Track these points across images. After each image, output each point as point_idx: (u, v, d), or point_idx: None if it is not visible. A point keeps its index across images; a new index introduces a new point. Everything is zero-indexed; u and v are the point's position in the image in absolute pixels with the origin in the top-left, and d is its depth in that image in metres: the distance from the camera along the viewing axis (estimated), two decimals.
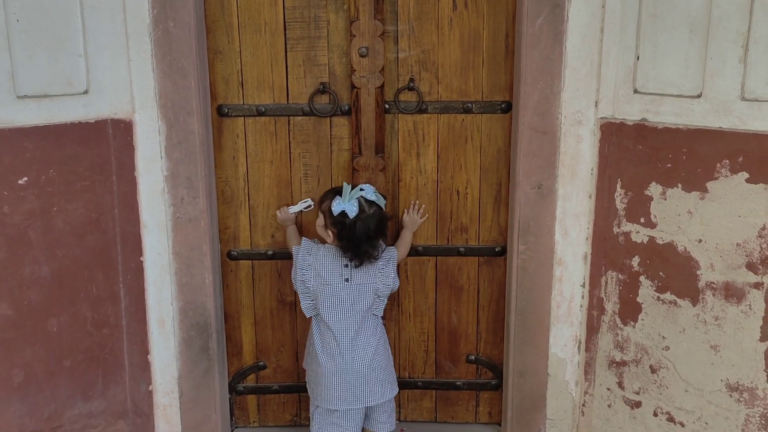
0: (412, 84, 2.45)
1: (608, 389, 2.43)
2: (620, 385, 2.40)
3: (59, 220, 2.21)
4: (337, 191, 2.24)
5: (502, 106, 2.47)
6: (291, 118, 2.47)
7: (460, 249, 2.58)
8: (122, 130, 2.30)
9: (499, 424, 2.71)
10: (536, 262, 2.44)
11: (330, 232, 2.22)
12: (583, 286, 2.44)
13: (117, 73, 2.25)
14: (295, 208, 2.45)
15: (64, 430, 2.32)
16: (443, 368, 2.71)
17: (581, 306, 2.46)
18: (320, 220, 2.27)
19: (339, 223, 2.18)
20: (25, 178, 2.11)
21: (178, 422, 2.56)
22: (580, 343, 2.48)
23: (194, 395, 2.54)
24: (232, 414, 2.70)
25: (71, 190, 2.22)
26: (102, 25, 2.19)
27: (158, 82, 2.28)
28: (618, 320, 2.36)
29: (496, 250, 2.58)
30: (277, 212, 2.46)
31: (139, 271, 2.42)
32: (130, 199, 2.36)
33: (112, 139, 2.29)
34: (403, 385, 2.70)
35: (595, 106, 2.30)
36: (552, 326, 2.49)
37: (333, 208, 2.18)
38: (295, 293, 2.58)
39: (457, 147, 2.51)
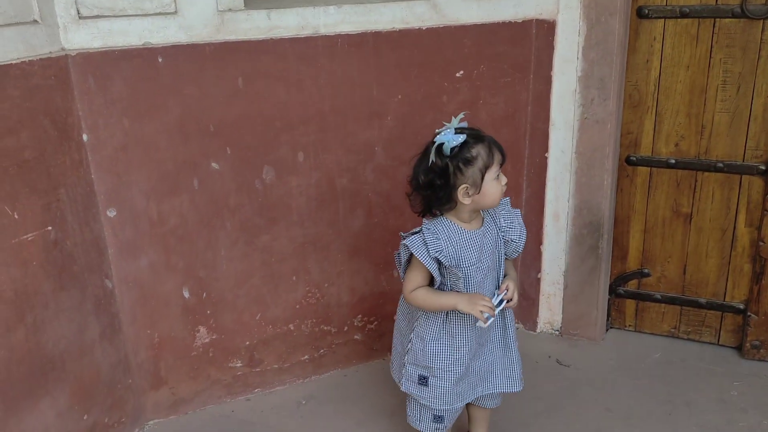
0: None
1: None
2: None
3: (483, 112, 2.45)
4: None
5: None
6: (717, 20, 2.33)
7: None
8: (545, 30, 2.42)
9: None
10: None
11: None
12: None
13: None
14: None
15: None
16: None
17: None
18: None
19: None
20: (461, 72, 2.38)
21: (559, 312, 2.74)
22: None
23: (578, 290, 2.68)
24: (608, 314, 2.79)
25: (495, 86, 2.44)
26: None
27: None
28: None
29: None
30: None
31: (542, 166, 2.58)
32: (543, 98, 2.50)
33: (534, 38, 2.43)
34: None
35: None
36: None
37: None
38: (694, 204, 2.54)
39: None
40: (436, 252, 1.72)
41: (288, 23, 2.13)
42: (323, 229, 2.40)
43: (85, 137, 1.99)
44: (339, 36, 2.20)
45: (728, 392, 2.40)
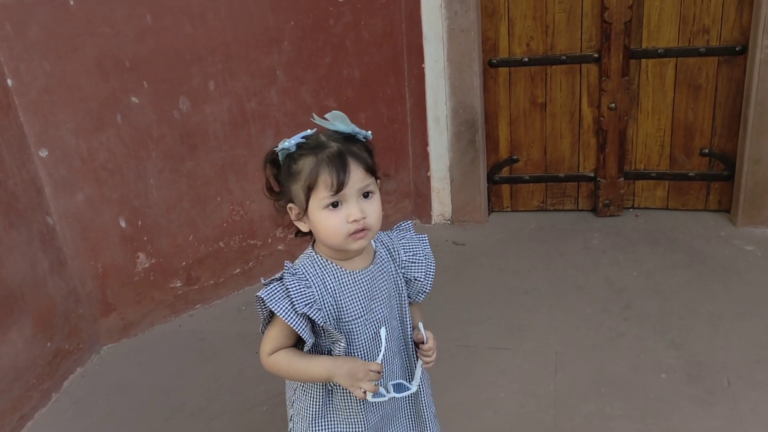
0: None
1: None
2: None
3: (365, 32, 2.78)
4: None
5: None
6: None
7: (701, 49, 2.83)
8: None
9: (729, 211, 3.04)
10: None
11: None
12: None
13: None
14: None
15: None
16: (677, 161, 3.05)
17: None
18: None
19: None
20: None
21: (449, 203, 3.18)
22: None
23: (462, 181, 3.13)
24: (489, 200, 3.27)
25: (372, 8, 2.77)
26: None
27: None
28: None
29: (737, 49, 2.79)
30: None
31: (420, 76, 2.97)
32: (414, 15, 2.87)
33: None
34: (638, 176, 3.10)
35: None
36: None
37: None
38: (546, 94, 3.04)
39: None
40: (306, 305, 1.19)
41: None
42: (239, 151, 2.65)
43: (9, 82, 2.11)
44: None
45: (591, 242, 2.97)
